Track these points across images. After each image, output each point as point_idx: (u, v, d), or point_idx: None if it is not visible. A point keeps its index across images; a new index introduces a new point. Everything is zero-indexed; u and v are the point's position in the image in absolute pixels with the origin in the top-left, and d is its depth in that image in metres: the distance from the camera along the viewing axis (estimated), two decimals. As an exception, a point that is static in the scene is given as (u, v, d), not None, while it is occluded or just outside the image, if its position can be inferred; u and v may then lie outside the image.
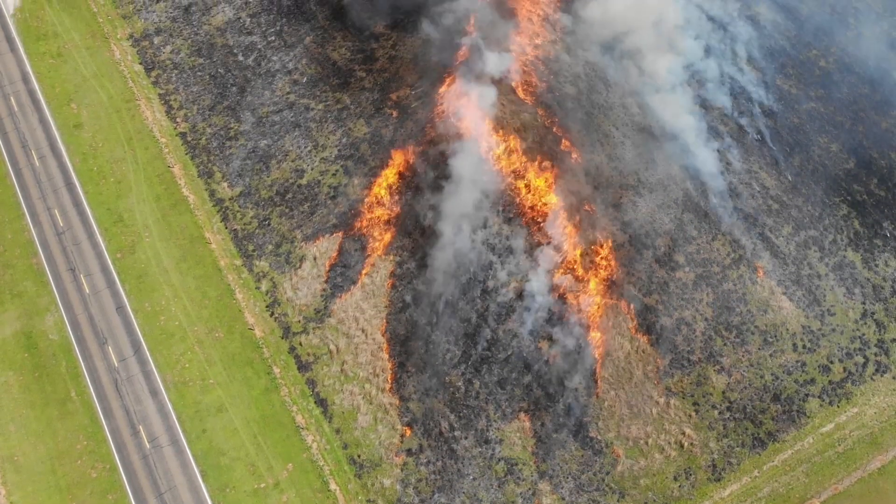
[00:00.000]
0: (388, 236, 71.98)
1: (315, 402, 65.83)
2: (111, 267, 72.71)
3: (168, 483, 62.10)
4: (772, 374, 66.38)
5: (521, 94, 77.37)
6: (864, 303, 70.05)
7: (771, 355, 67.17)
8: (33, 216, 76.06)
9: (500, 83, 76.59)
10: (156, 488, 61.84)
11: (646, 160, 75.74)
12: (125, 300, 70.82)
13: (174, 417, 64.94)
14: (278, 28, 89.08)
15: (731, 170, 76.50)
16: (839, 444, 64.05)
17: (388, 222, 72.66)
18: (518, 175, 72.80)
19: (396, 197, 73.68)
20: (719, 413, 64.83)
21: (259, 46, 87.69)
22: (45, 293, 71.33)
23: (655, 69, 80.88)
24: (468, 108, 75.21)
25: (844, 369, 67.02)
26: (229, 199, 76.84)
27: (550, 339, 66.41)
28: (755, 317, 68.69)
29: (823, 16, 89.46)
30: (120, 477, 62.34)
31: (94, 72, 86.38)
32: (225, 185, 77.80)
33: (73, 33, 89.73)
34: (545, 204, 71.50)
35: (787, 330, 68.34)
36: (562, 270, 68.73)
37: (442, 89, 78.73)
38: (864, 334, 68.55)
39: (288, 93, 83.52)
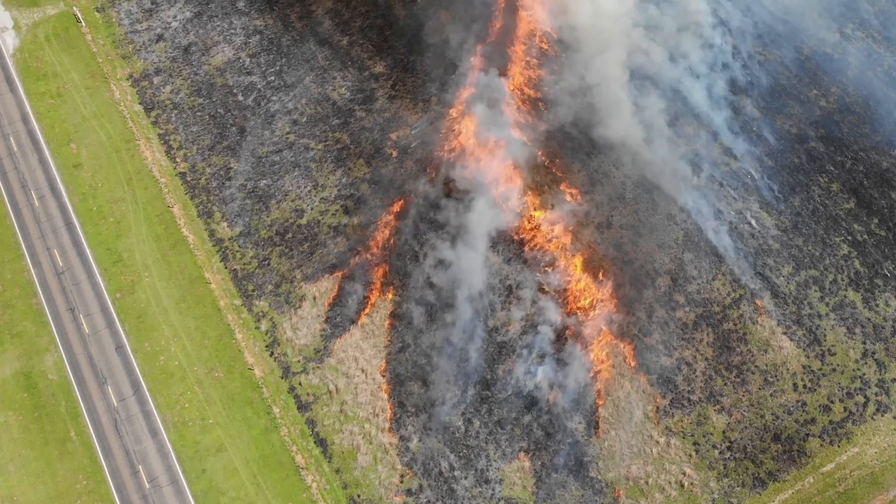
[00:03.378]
0: (387, 275, 76.99)
1: (315, 442, 70.20)
2: (111, 307, 77.56)
3: (167, 523, 66.41)
4: (772, 414, 70.87)
5: (520, 133, 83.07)
6: (864, 342, 74.72)
7: (771, 395, 71.74)
8: (33, 256, 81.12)
9: (499, 122, 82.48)
10: (155, 528, 66.16)
11: (646, 200, 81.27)
12: (125, 340, 75.55)
13: (174, 457, 69.22)
14: (278, 68, 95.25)
15: (731, 209, 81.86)
16: (840, 484, 68.22)
17: (388, 262, 77.72)
18: (518, 214, 78.20)
19: (396, 236, 78.90)
20: (720, 453, 69.18)
21: (259, 86, 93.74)
22: (44, 333, 76.08)
23: (658, 107, 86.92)
24: (468, 148, 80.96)
25: (845, 409, 71.50)
26: (229, 239, 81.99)
27: (550, 378, 71.09)
28: (755, 356, 73.44)
29: (824, 55, 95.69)
30: (119, 517, 66.75)
31: (94, 112, 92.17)
32: (224, 224, 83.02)
33: (73, 73, 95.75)
34: (546, 243, 76.79)
35: (788, 369, 72.99)
36: (562, 309, 73.72)
37: (443, 129, 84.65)
38: (864, 374, 73.12)
39: (287, 133, 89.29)
